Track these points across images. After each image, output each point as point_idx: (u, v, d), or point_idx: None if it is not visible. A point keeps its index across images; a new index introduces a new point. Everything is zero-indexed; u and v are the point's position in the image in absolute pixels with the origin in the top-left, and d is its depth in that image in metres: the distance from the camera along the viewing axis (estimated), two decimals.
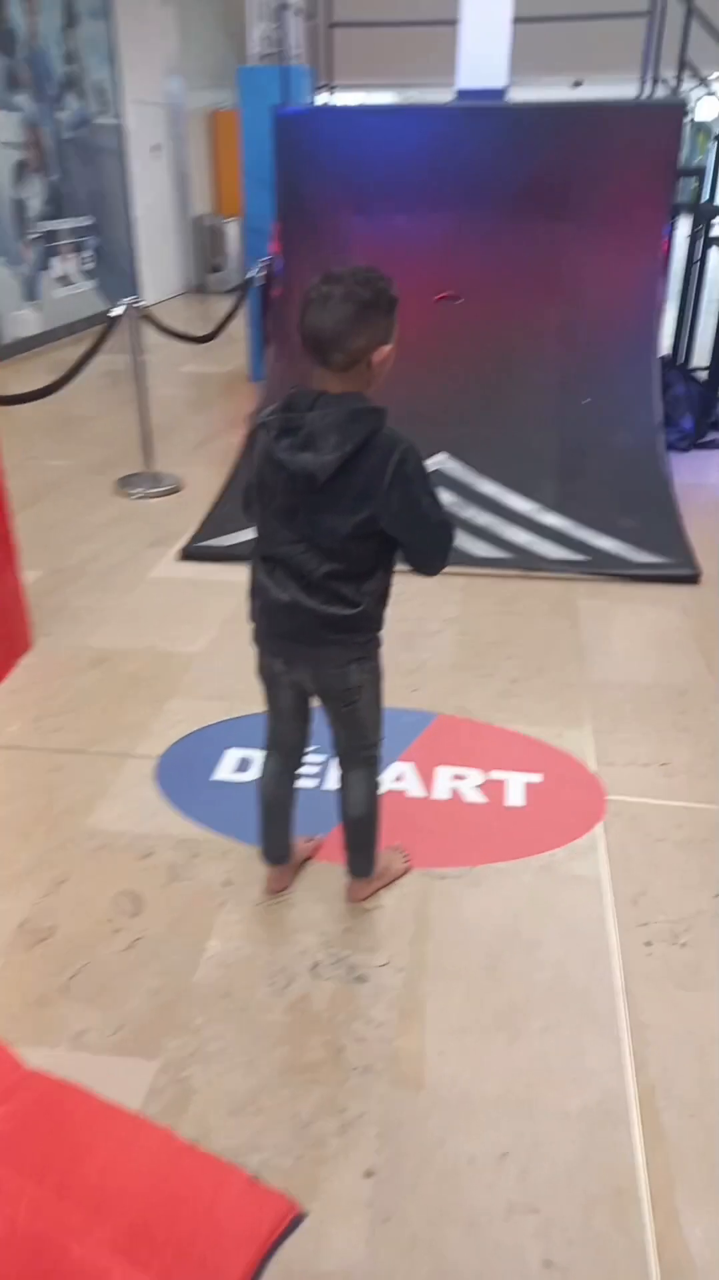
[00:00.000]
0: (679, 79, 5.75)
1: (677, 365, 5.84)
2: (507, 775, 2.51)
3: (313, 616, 1.65)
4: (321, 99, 6.71)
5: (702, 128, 6.76)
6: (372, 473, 1.51)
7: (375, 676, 1.84)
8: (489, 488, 4.38)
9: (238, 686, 2.94)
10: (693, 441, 5.27)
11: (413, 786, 2.46)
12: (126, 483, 4.72)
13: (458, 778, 2.51)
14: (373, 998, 1.82)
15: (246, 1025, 1.76)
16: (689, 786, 2.45)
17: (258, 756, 2.57)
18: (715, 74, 6.05)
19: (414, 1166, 1.50)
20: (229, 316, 5.40)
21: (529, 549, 3.89)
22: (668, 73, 5.97)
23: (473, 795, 2.43)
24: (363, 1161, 1.51)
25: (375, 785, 1.97)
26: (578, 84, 14.59)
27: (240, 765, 2.57)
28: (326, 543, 1.58)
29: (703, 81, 5.90)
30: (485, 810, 2.37)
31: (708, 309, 6.31)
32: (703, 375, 5.79)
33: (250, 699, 2.85)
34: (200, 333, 5.36)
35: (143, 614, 3.45)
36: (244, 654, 3.10)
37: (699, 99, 6.27)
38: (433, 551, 1.66)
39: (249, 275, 5.85)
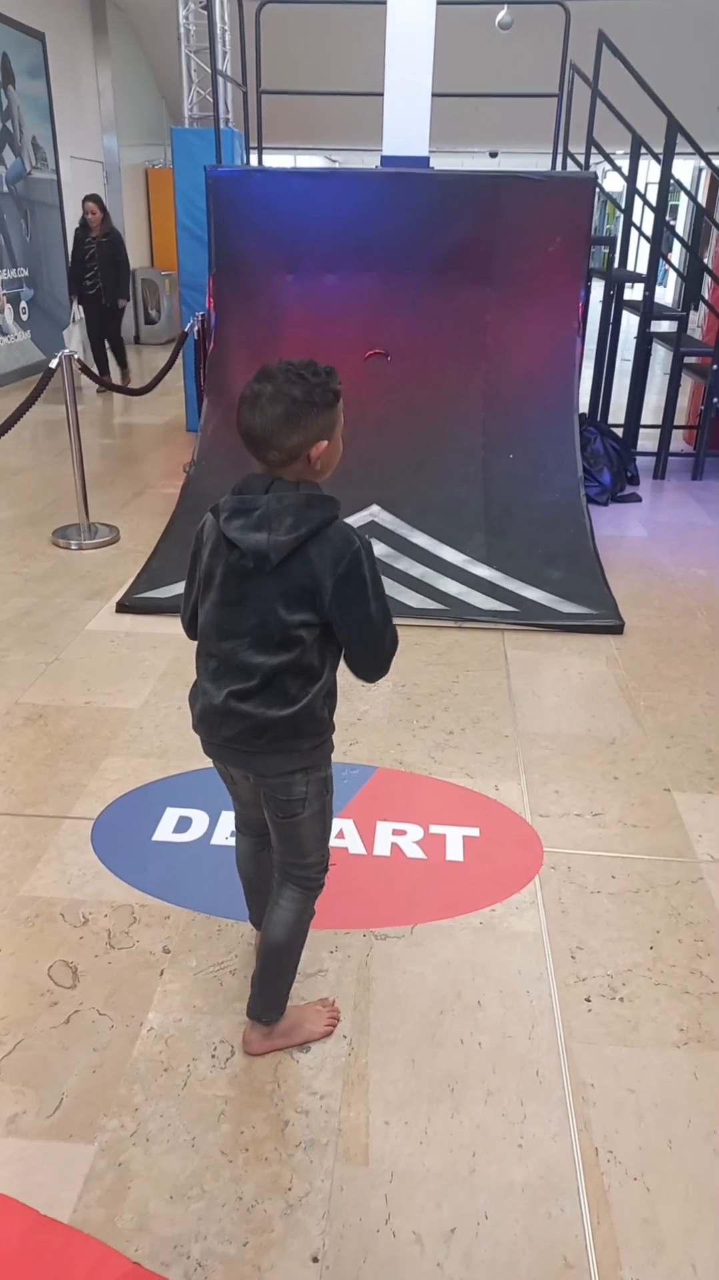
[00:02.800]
0: (588, 154, 6.11)
1: (594, 422, 6.10)
2: (445, 830, 2.54)
3: (253, 723, 1.54)
4: (252, 160, 6.88)
5: (609, 199, 7.16)
6: (323, 564, 1.46)
7: (323, 788, 1.66)
8: (421, 539, 4.48)
9: (177, 743, 2.93)
10: (612, 495, 5.49)
11: (354, 843, 2.47)
12: (63, 534, 4.67)
13: (398, 833, 2.53)
14: (316, 1068, 1.80)
15: (188, 1102, 1.73)
16: (621, 837, 2.52)
17: (198, 816, 2.57)
18: (620, 150, 6.44)
19: (360, 1248, 1.48)
20: (165, 369, 5.44)
21: (462, 600, 3.98)
22: (577, 148, 6.33)
23: (413, 851, 2.45)
24: (308, 1246, 1.48)
25: (305, 913, 1.77)
26: (494, 154, 15.31)
27: (180, 825, 2.54)
28: (277, 633, 1.49)
29: (607, 157, 6.27)
30: (425, 866, 2.39)
31: (622, 368, 6.63)
32: (619, 431, 6.06)
33: (189, 755, 2.85)
34: (136, 384, 5.37)
35: (79, 669, 3.40)
36: (183, 708, 3.11)
37: (606, 172, 6.67)
38: (376, 660, 1.56)
39: (185, 329, 5.91)
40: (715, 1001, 1.97)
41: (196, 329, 5.74)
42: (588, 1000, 1.97)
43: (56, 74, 9.35)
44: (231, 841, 2.44)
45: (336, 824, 2.53)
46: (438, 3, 5.39)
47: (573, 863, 2.41)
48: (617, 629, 3.77)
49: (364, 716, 3.12)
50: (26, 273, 8.99)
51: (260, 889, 1.89)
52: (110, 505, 5.17)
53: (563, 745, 2.96)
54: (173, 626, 3.70)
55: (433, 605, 3.92)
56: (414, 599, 3.97)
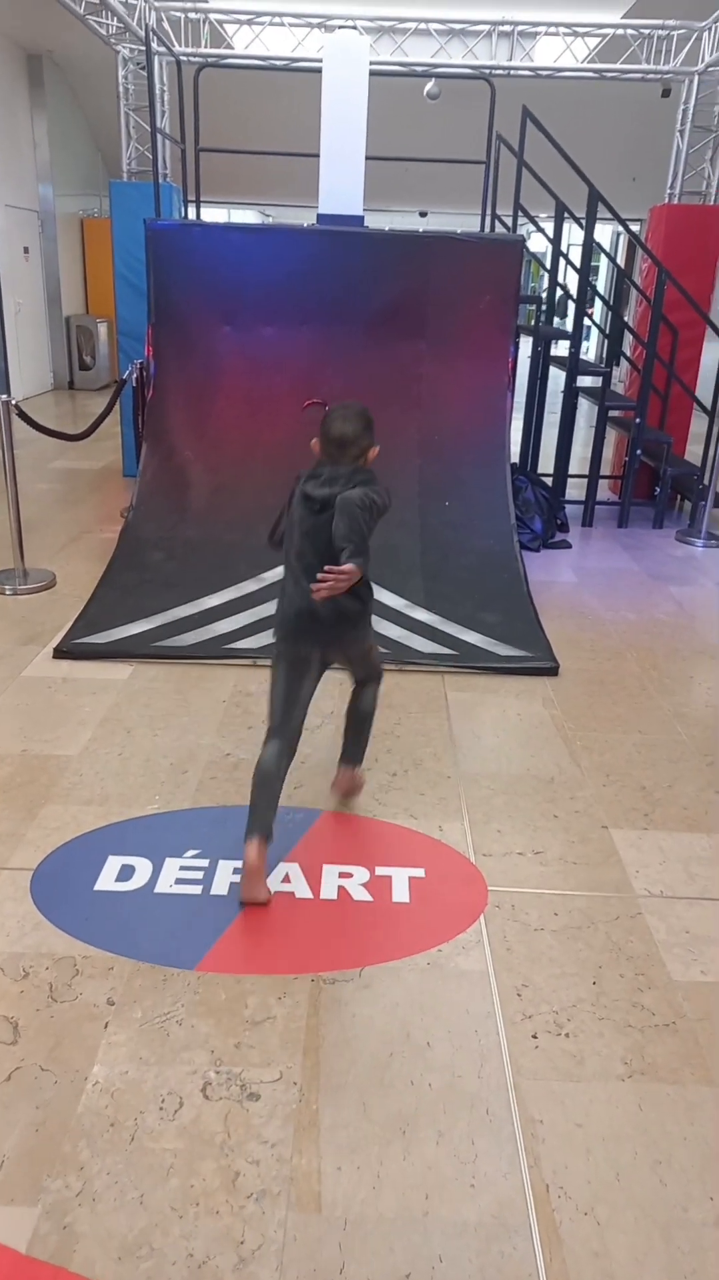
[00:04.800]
0: (515, 217, 6.42)
1: (525, 471, 6.32)
2: (391, 871, 2.56)
3: (340, 612, 2.41)
4: (190, 214, 7.02)
5: (535, 259, 7.52)
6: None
7: (371, 630, 2.70)
8: None
9: (118, 789, 2.89)
10: (543, 541, 5.68)
11: (300, 888, 2.47)
12: None
13: (344, 875, 2.53)
14: (267, 1115, 1.78)
15: (136, 1156, 1.69)
16: (563, 874, 2.57)
17: (140, 864, 2.53)
18: (544, 214, 6.82)
19: None
20: (103, 415, 5.45)
21: (402, 643, 4.04)
22: (504, 210, 6.65)
23: (359, 893, 2.46)
24: None
25: (379, 690, 2.80)
26: (424, 214, 15.92)
27: (122, 874, 2.50)
28: (336, 556, 2.25)
29: (532, 220, 6.60)
30: (372, 908, 2.40)
31: (550, 420, 6.90)
32: (549, 480, 6.28)
33: (131, 802, 2.82)
34: (71, 428, 5.37)
35: (15, 715, 3.34)
36: (123, 754, 3.09)
37: (530, 233, 7.02)
38: (346, 528, 2.25)
39: (123, 376, 5.94)
40: (657, 1034, 2.02)
41: (135, 376, 5.78)
42: (534, 1037, 2.00)
43: None
44: (175, 890, 2.43)
45: (282, 869, 2.53)
46: (370, 73, 5.65)
47: (516, 901, 2.45)
48: (552, 671, 3.88)
49: (308, 760, 3.13)
50: None
51: (274, 789, 2.44)
52: (46, 550, 5.12)
53: (503, 785, 3.02)
54: (112, 672, 3.70)
55: None
56: None
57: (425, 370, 5.35)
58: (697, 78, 7.31)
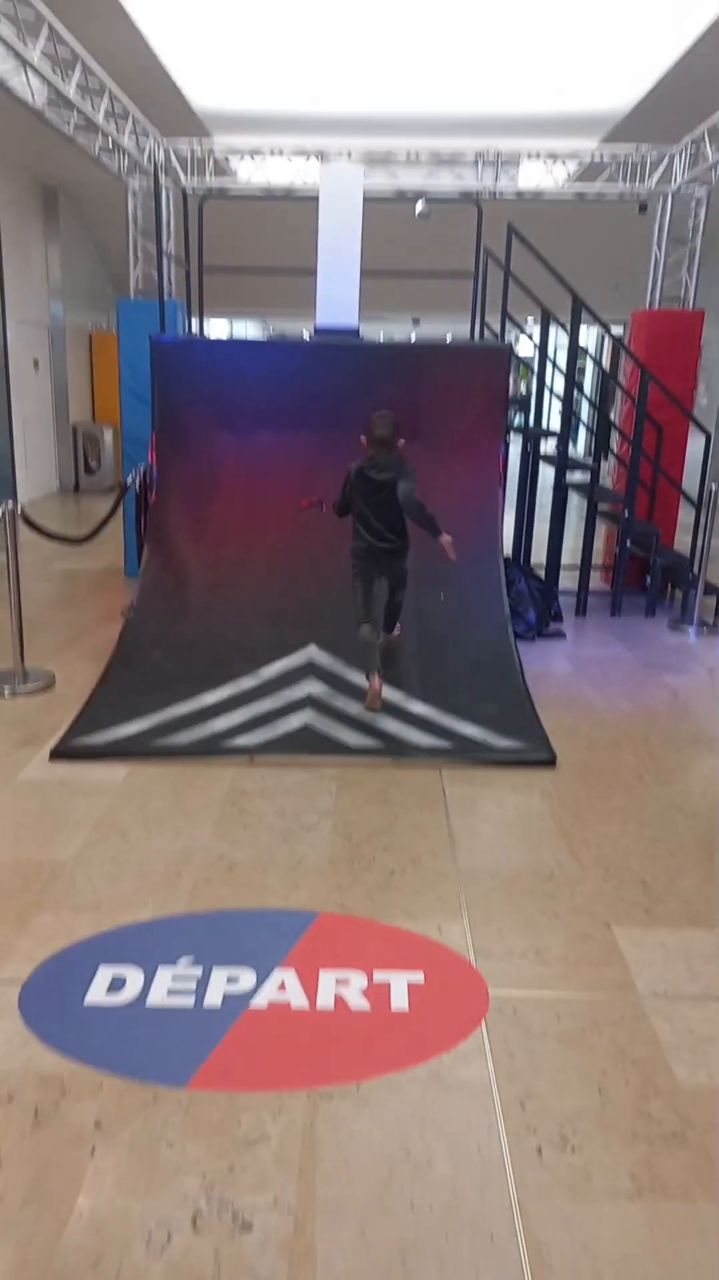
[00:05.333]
0: (503, 324, 6.73)
1: (518, 564, 6.44)
2: (390, 976, 2.50)
3: (392, 549, 4.33)
4: (193, 327, 7.38)
5: (522, 362, 7.85)
6: (404, 481, 4.15)
7: (407, 558, 4.45)
8: (358, 678, 4.58)
9: (110, 895, 2.86)
10: (538, 632, 5.74)
11: (296, 997, 2.41)
12: None
13: (341, 982, 2.48)
14: (260, 1247, 1.70)
15: None
16: (564, 975, 2.51)
17: (132, 974, 2.48)
18: (531, 318, 7.15)
19: None
20: (107, 519, 5.60)
21: (398, 737, 4.05)
22: (493, 317, 6.97)
23: (357, 1001, 2.39)
24: None
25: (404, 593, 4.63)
26: (417, 321, 16.68)
27: (114, 985, 2.44)
28: (395, 514, 4.18)
29: (519, 326, 6.93)
30: (370, 1018, 2.34)
31: (541, 513, 7.06)
32: (542, 572, 6.39)
33: (124, 908, 2.78)
34: (74, 530, 5.51)
35: (10, 820, 3.32)
36: (117, 858, 3.06)
37: (518, 337, 7.36)
38: (420, 515, 4.14)
39: (127, 480, 6.13)
40: (665, 1146, 1.94)
41: (138, 481, 5.96)
42: (539, 1152, 1.92)
43: (8, 251, 9.97)
44: (167, 1001, 2.39)
45: (277, 975, 2.48)
46: (364, 198, 6.05)
47: (518, 1005, 2.39)
48: (549, 763, 3.87)
49: (304, 859, 3.10)
50: None
51: (374, 649, 4.34)
52: (46, 650, 5.18)
53: (503, 882, 2.98)
54: (108, 773, 3.70)
55: (371, 743, 3.98)
56: (352, 737, 4.02)
57: (419, 469, 5.50)
58: (671, 196, 7.77)
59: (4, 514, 4.68)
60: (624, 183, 7.99)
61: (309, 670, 4.63)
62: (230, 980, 2.46)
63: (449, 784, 3.68)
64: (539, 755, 3.91)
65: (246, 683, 4.49)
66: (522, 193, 8.25)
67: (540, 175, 8.35)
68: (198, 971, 2.50)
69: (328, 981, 2.48)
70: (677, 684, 4.96)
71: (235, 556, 5.37)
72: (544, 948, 2.63)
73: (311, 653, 4.79)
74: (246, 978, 2.48)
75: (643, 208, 8.23)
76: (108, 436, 12.04)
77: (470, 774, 3.78)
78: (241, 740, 3.97)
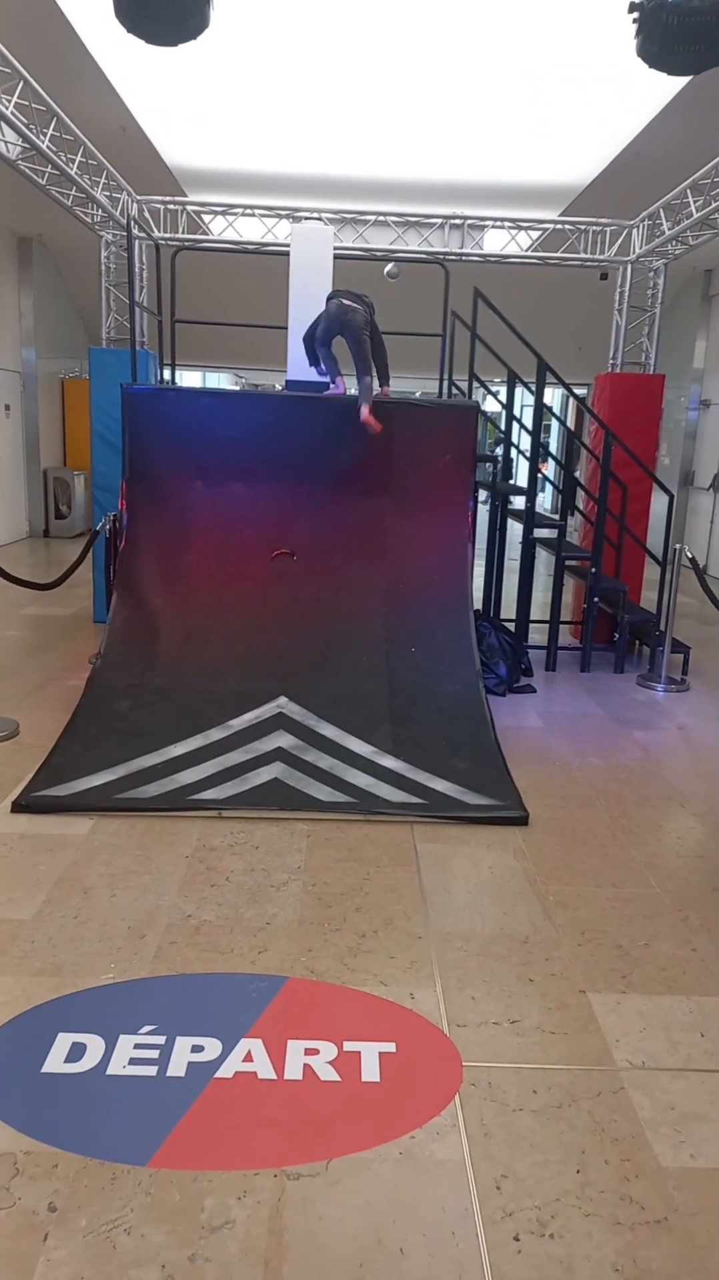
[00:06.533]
0: (470, 383, 6.87)
1: (488, 618, 6.47)
2: (360, 1046, 2.42)
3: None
4: (165, 375, 7.42)
5: (489, 420, 8.02)
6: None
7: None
8: (329, 730, 4.53)
9: (72, 957, 2.75)
10: (508, 686, 5.74)
11: (263, 1067, 2.31)
12: None
13: (310, 1052, 2.39)
14: None
15: None
16: (540, 1046, 2.45)
17: (92, 1041, 2.37)
18: (498, 378, 7.31)
19: None
20: (75, 564, 5.54)
21: (370, 792, 3.99)
22: (460, 376, 7.11)
23: (327, 1073, 2.30)
24: None
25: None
26: None
27: (73, 1053, 2.33)
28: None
29: (485, 387, 7.07)
30: (340, 1090, 2.25)
31: (510, 567, 7.15)
32: (512, 626, 6.44)
33: (84, 971, 2.67)
34: (44, 575, 5.44)
35: None
36: (78, 917, 2.96)
37: (485, 396, 7.52)
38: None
39: (96, 527, 6.09)
40: (649, 1232, 1.87)
41: (108, 527, 5.93)
42: (517, 1239, 1.84)
43: None
44: (129, 1071, 2.28)
45: (244, 1045, 2.39)
46: (334, 257, 6.17)
47: (493, 1077, 2.32)
48: (522, 820, 3.83)
49: (273, 920, 3.02)
50: None
51: None
52: (11, 697, 5.06)
53: (477, 946, 2.92)
54: (72, 826, 3.59)
55: (342, 798, 3.92)
56: (323, 792, 3.96)
57: (390, 524, 5.56)
58: (630, 266, 8.06)
59: None
60: (585, 252, 8.28)
61: (279, 722, 4.57)
62: (195, 1049, 2.37)
63: (421, 841, 3.63)
64: (512, 813, 3.87)
65: (215, 734, 4.42)
66: (487, 256, 8.50)
67: (505, 241, 8.63)
68: (161, 1040, 2.40)
69: (296, 1051, 2.39)
70: (647, 740, 4.98)
71: (205, 606, 5.33)
72: (519, 1016, 2.57)
73: (282, 704, 4.74)
74: (212, 1047, 2.38)
75: (604, 275, 8.53)
76: (79, 482, 12.03)
77: (443, 831, 3.73)
78: (210, 794, 3.89)
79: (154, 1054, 2.34)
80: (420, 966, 2.79)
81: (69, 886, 3.16)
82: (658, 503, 7.23)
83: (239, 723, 4.55)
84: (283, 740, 4.40)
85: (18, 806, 3.75)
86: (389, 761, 4.27)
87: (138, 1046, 2.37)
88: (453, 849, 3.58)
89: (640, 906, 3.21)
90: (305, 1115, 2.17)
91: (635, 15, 3.44)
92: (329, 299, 5.57)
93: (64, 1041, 2.38)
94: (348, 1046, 2.41)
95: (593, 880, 3.38)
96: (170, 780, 3.98)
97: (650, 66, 3.60)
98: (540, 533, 6.56)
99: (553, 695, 5.83)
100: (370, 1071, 2.32)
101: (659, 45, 3.40)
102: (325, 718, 4.62)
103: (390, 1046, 2.42)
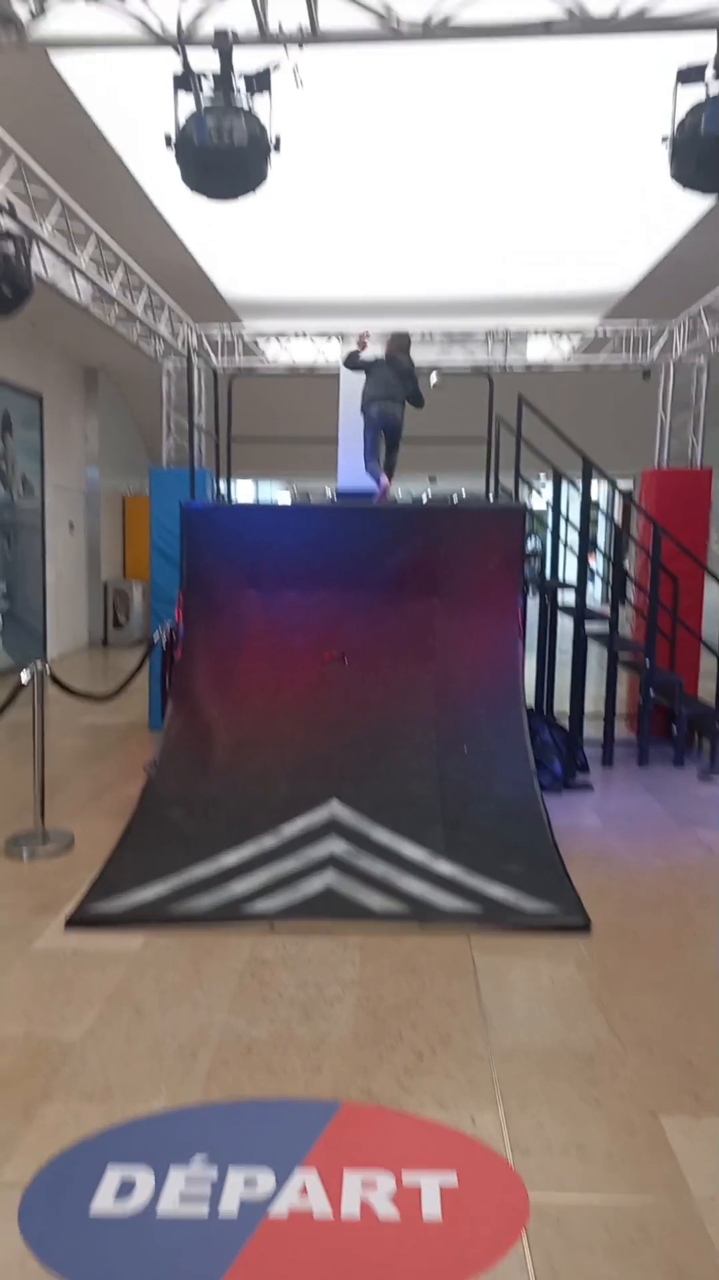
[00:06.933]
0: (516, 483, 7.00)
1: (541, 714, 6.41)
2: (420, 1178, 2.30)
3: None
4: (221, 487, 7.75)
5: (535, 515, 8.14)
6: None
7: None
8: (381, 835, 4.48)
9: (123, 1079, 2.71)
10: (564, 784, 5.63)
11: (319, 1202, 2.21)
12: (15, 842, 4.59)
13: (368, 1185, 2.28)
14: None
15: None
16: (608, 1174, 2.30)
17: (142, 1177, 2.31)
18: (544, 474, 7.45)
19: None
20: (133, 675, 5.70)
21: (424, 899, 3.90)
22: (506, 474, 7.26)
23: (385, 1209, 2.19)
24: None
25: None
26: (433, 479, 17.44)
27: (123, 1189, 2.26)
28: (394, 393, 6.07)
29: (531, 486, 7.21)
30: (400, 1229, 2.13)
31: (561, 659, 7.09)
32: (565, 722, 6.35)
33: (135, 1094, 2.62)
34: (102, 683, 5.60)
35: (20, 994, 3.20)
36: (129, 1036, 2.92)
37: (531, 494, 7.66)
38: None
39: (154, 637, 6.29)
40: None
41: (164, 637, 6.11)
42: None
43: (50, 425, 10.71)
44: (179, 1211, 2.23)
45: (298, 1177, 2.30)
46: None
47: (561, 1211, 2.18)
48: (583, 927, 3.70)
49: (327, 1038, 2.93)
50: (4, 587, 9.63)
51: None
52: (68, 808, 5.14)
53: (539, 1063, 2.79)
54: (124, 942, 3.59)
55: (396, 907, 3.84)
56: (376, 901, 3.89)
57: (438, 625, 5.61)
58: (673, 365, 8.25)
59: (33, 674, 4.77)
60: (627, 354, 8.52)
61: (331, 827, 4.55)
62: (248, 1183, 2.28)
63: (478, 951, 3.52)
64: (572, 920, 3.74)
65: (268, 841, 4.41)
66: (530, 365, 8.81)
67: (547, 349, 8.95)
68: (213, 1173, 2.32)
69: (353, 1184, 2.28)
70: (710, 839, 4.80)
71: (258, 712, 5.40)
72: (587, 1141, 2.43)
73: (334, 808, 4.72)
74: (265, 1180, 2.29)
75: (646, 374, 8.74)
76: (136, 592, 12.46)
77: (500, 940, 3.61)
78: (262, 905, 3.86)
79: (205, 1189, 2.26)
80: (481, 1087, 2.67)
81: (120, 1004, 3.14)
82: (711, 592, 7.17)
83: (291, 829, 4.53)
84: (335, 846, 4.36)
85: (71, 922, 3.76)
86: (443, 866, 4.19)
87: (189, 1180, 2.29)
88: (511, 959, 3.46)
89: (710, 1018, 3.03)
90: (363, 1259, 2.06)
91: (669, 144, 3.67)
92: (372, 368, 6.17)
93: (113, 1176, 2.31)
94: (407, 1178, 2.30)
95: (659, 991, 3.22)
96: (223, 891, 3.96)
97: (685, 188, 3.80)
98: (591, 626, 6.54)
99: (611, 792, 5.69)
100: (431, 1207, 2.20)
101: (694, 169, 3.61)
102: (378, 821, 4.58)
103: (452, 1178, 2.31)
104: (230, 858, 4.25)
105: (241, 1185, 2.27)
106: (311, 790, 4.85)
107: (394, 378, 6.14)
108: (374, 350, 6.36)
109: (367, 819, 4.61)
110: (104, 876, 4.14)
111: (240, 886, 4.00)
